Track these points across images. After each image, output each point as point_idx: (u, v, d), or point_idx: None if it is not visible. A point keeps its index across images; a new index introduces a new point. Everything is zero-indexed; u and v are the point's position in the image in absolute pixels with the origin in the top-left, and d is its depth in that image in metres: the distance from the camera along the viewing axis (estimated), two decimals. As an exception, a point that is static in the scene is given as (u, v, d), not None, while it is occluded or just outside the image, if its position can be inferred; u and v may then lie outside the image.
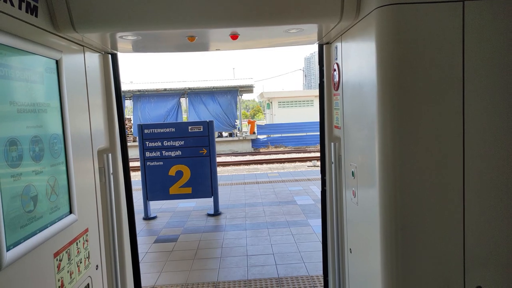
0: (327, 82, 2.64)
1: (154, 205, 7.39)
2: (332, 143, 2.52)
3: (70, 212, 1.87)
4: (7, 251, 1.35)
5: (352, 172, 2.18)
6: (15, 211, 1.43)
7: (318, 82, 2.76)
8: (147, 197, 6.73)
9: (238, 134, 23.00)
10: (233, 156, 19.66)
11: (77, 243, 1.98)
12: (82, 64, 2.18)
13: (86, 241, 2.10)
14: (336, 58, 2.43)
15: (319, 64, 2.72)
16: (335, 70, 2.45)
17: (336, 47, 2.43)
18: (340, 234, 2.54)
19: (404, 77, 1.67)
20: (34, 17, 1.68)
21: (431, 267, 1.72)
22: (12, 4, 1.52)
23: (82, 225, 2.06)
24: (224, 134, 22.83)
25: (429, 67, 1.66)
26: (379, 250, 1.76)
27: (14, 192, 1.44)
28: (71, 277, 1.88)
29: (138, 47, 2.44)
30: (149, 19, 1.88)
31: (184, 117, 23.18)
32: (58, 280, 1.76)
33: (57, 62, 1.82)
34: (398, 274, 1.72)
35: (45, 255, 1.67)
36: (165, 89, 22.32)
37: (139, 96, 22.04)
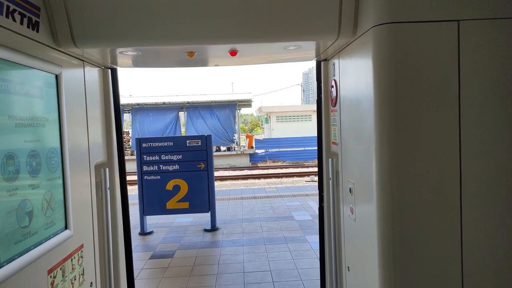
0: (324, 98, 2.66)
1: (151, 219, 7.32)
2: (329, 159, 2.52)
3: (66, 227, 1.85)
4: (0, 268, 1.32)
5: (350, 188, 2.18)
6: (9, 227, 1.41)
7: (316, 98, 2.78)
8: (143, 212, 6.67)
9: (236, 149, 23.00)
10: (231, 170, 19.61)
11: (71, 260, 1.95)
12: (82, 79, 2.20)
13: (81, 257, 2.07)
14: (334, 75, 2.45)
15: (317, 81, 2.74)
16: (332, 86, 2.47)
17: (333, 64, 2.46)
18: (338, 251, 2.52)
19: (400, 94, 1.69)
20: (35, 32, 1.70)
21: (429, 284, 1.70)
22: (14, 20, 1.54)
23: (78, 241, 2.03)
24: (222, 148, 22.82)
25: (424, 84, 1.68)
26: (377, 267, 1.74)
27: (9, 206, 1.42)
28: (64, 295, 1.85)
29: (138, 62, 2.46)
30: (149, 36, 1.90)
31: (183, 131, 23.20)
32: (51, 298, 1.73)
33: (56, 76, 1.83)
34: None
35: (39, 271, 1.64)
36: (163, 103, 22.39)
37: (138, 109, 22.09)
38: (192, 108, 22.40)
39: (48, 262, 1.72)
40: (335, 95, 2.43)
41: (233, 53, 2.20)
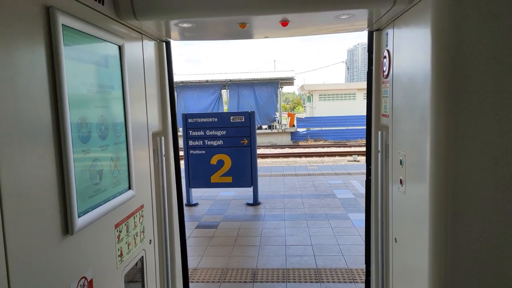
0: (375, 70, 2.59)
1: (196, 192, 7.65)
2: (379, 132, 2.49)
3: (129, 188, 2.01)
4: (78, 217, 1.49)
5: (400, 160, 2.14)
6: (85, 182, 1.57)
7: (367, 69, 2.72)
8: (189, 185, 6.97)
9: (277, 127, 23.01)
10: (272, 148, 19.73)
11: (134, 218, 2.13)
12: (140, 51, 2.32)
13: (142, 216, 2.25)
14: (387, 45, 2.38)
15: (368, 52, 2.67)
16: (385, 57, 2.40)
17: (387, 34, 2.38)
18: (385, 223, 2.51)
19: (461, 66, 1.59)
20: (101, 5, 1.81)
21: (483, 260, 1.66)
22: None
23: (139, 201, 2.20)
24: (264, 126, 22.93)
25: (488, 56, 1.57)
26: (427, 240, 1.72)
27: (84, 164, 1.58)
28: (128, 248, 2.03)
29: (191, 35, 2.53)
30: (205, 7, 1.95)
31: (225, 109, 23.56)
32: (118, 250, 1.91)
33: (119, 48, 1.95)
34: (447, 265, 1.68)
35: (108, 225, 1.82)
36: (207, 81, 22.78)
37: (182, 87, 22.67)
38: (235, 86, 22.59)
39: (115, 218, 1.89)
40: (387, 66, 2.36)
41: (285, 23, 2.19)
